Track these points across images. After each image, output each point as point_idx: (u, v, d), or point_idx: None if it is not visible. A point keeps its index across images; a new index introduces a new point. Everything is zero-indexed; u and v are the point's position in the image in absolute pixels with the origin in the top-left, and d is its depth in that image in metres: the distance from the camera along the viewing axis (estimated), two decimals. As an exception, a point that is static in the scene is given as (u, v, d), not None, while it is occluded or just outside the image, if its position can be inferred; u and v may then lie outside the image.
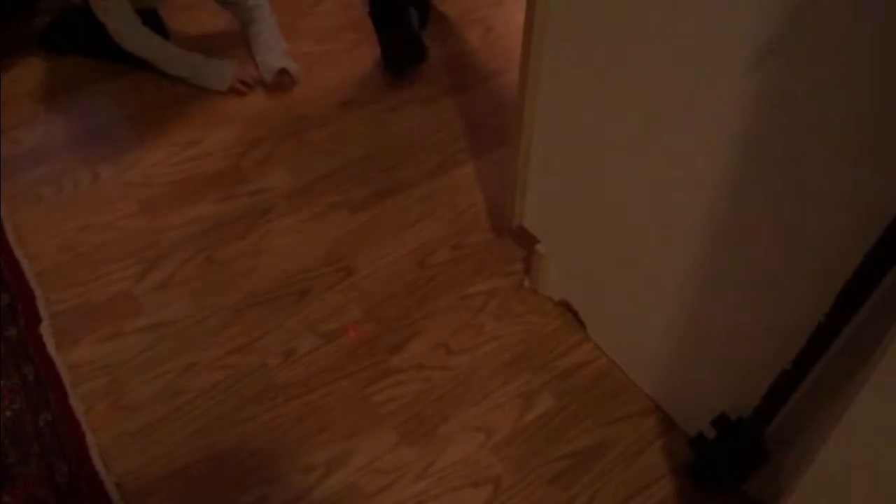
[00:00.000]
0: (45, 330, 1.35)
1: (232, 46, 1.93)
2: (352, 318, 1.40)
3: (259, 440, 1.23)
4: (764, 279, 0.98)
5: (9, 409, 1.24)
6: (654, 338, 1.21)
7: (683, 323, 1.14)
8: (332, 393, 1.30)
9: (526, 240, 1.45)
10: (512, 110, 1.28)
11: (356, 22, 1.99)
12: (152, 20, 1.87)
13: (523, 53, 1.17)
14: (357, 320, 1.39)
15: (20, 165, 1.65)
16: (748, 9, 0.83)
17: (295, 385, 1.30)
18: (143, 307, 1.40)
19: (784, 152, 0.87)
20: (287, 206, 1.59)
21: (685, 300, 1.12)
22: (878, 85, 0.75)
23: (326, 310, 1.41)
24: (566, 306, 1.41)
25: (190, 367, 1.32)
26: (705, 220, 1.02)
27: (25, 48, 1.90)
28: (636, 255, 1.18)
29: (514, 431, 1.25)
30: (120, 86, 1.84)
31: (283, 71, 1.83)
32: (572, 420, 1.27)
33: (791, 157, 0.87)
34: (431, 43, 1.86)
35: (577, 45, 1.10)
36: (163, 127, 1.75)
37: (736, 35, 0.86)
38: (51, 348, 1.32)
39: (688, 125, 0.98)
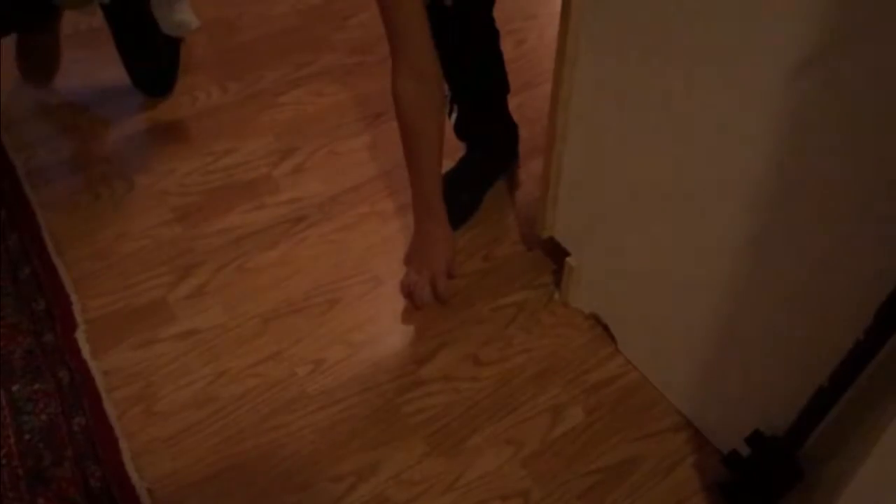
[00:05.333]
0: (80, 336, 1.37)
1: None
2: (380, 328, 1.40)
3: (289, 449, 1.24)
4: (801, 294, 0.96)
5: (44, 413, 1.26)
6: (687, 352, 1.20)
7: (717, 338, 1.13)
8: (361, 403, 1.30)
9: (556, 252, 1.44)
10: (543, 122, 1.28)
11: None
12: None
13: (556, 66, 1.17)
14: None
15: (58, 173, 1.68)
16: (791, 19, 0.82)
17: (324, 394, 1.31)
18: (177, 315, 1.42)
19: (826, 164, 0.86)
20: (319, 215, 1.60)
21: (719, 315, 1.10)
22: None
23: (356, 320, 1.42)
24: (596, 320, 1.40)
25: (221, 375, 1.33)
26: (741, 233, 1.01)
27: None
28: (669, 268, 1.17)
29: (544, 445, 1.25)
30: (156, 97, 1.88)
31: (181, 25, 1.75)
32: (602, 434, 1.26)
33: (833, 170, 0.86)
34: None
35: (610, 58, 1.10)
36: (198, 137, 1.78)
37: (778, 45, 0.85)
38: (86, 354, 1.34)
39: (726, 139, 0.97)
